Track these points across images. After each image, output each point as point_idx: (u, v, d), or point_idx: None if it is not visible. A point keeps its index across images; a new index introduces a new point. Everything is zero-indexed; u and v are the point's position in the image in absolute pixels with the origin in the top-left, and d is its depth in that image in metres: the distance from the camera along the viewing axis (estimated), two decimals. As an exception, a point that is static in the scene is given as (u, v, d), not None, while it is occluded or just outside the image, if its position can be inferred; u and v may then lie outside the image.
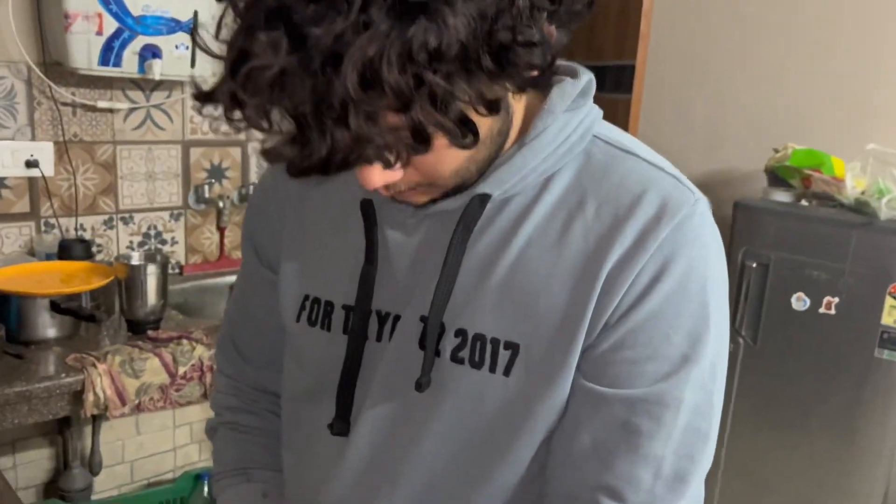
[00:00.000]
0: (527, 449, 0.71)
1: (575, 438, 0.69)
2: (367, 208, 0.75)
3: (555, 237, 0.69)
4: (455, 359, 0.70)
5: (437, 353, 0.71)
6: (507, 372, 0.69)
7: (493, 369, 0.69)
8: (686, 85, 2.86)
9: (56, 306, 1.70)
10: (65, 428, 2.16)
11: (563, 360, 0.68)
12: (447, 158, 0.62)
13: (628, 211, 0.67)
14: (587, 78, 0.71)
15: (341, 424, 0.77)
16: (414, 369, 0.72)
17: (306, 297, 0.80)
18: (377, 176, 0.59)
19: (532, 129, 0.68)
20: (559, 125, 0.68)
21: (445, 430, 0.72)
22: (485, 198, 0.68)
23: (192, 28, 1.97)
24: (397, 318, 0.74)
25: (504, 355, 0.69)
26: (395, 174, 0.61)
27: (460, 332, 0.70)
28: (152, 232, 2.28)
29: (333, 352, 0.77)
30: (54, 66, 1.96)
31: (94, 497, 2.20)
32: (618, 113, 2.81)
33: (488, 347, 0.69)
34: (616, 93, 2.83)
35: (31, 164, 2.00)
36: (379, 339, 0.75)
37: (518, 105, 0.68)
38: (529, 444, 0.71)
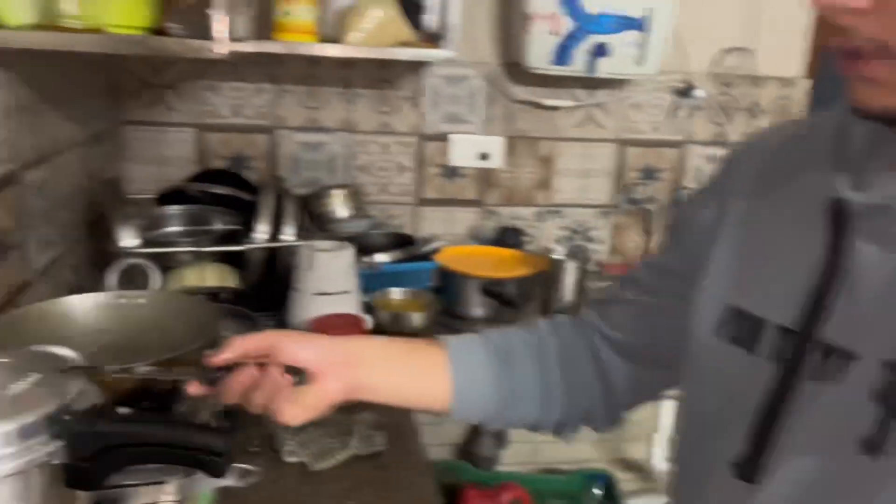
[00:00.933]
0: None
1: None
2: (838, 210, 0.60)
3: None
4: None
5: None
6: None
7: None
8: None
9: (485, 288, 1.84)
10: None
11: None
12: None
13: None
14: None
15: (750, 468, 0.63)
16: (861, 425, 0.56)
17: (731, 309, 0.68)
18: None
19: None
20: None
21: None
22: None
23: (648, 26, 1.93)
24: (850, 356, 0.59)
25: None
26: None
27: None
28: (579, 228, 2.33)
29: (752, 378, 0.64)
30: (512, 65, 2.12)
31: (499, 468, 2.36)
32: None
33: None
34: None
35: (484, 156, 2.20)
36: (818, 377, 0.60)
37: None
38: None
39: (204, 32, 1.19)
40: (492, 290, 1.83)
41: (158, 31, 1.26)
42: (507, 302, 1.80)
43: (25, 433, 0.67)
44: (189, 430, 0.69)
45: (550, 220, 2.30)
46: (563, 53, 1.96)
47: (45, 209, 1.38)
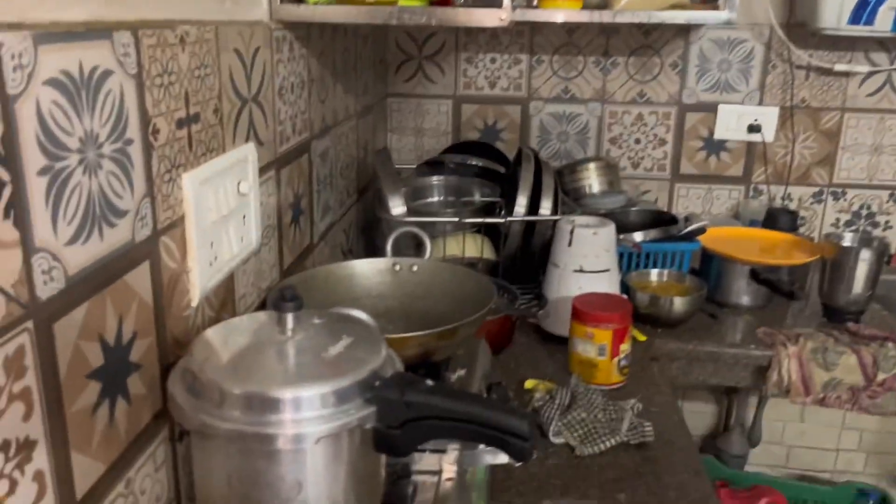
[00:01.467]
0: None
1: None
2: None
3: None
4: None
5: None
6: None
7: None
8: None
9: (755, 275, 1.67)
10: (732, 392, 2.18)
11: None
12: None
13: None
14: None
15: None
16: None
17: None
18: None
19: None
20: None
21: None
22: None
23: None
24: None
25: None
26: None
27: None
28: (864, 212, 2.04)
29: None
30: (796, 27, 1.88)
31: (747, 468, 2.18)
32: None
33: None
34: None
35: (753, 128, 2.00)
36: None
37: None
38: None
39: (483, 2, 1.18)
40: (764, 277, 1.65)
41: (437, 3, 1.27)
42: (783, 292, 1.62)
43: (341, 397, 0.69)
44: (496, 410, 0.67)
45: (830, 201, 2.04)
46: (863, 11, 1.70)
47: (326, 177, 1.47)
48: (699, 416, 2.26)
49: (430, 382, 0.72)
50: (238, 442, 0.69)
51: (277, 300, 0.74)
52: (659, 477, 1.10)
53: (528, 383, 1.32)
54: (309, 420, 0.67)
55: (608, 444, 1.14)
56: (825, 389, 1.50)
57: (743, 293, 1.71)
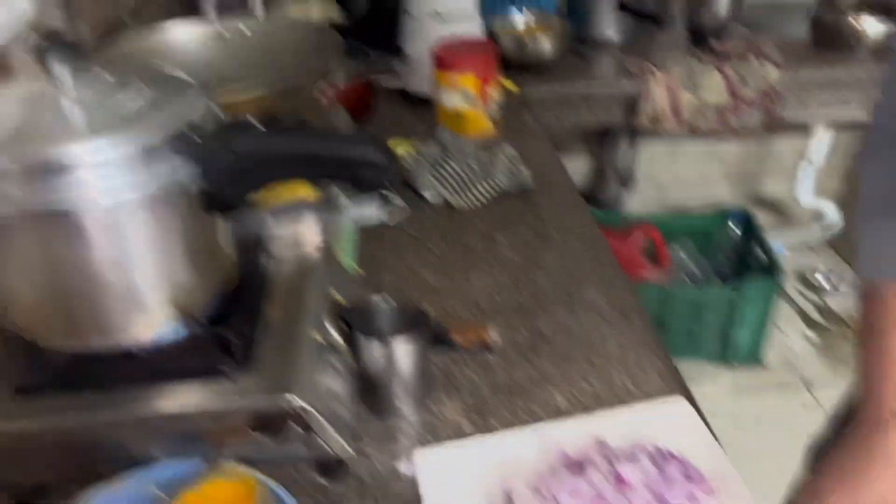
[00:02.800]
0: None
1: None
2: None
3: None
4: None
5: None
6: None
7: None
8: None
9: (622, 6, 1.58)
10: (604, 138, 2.19)
11: None
12: None
13: None
14: None
15: None
16: None
17: None
18: None
19: None
20: None
21: None
22: None
23: None
24: None
25: None
26: None
27: None
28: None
29: None
30: None
31: (623, 211, 2.25)
32: None
33: None
34: None
35: None
36: None
37: None
38: None
39: None
40: (630, 6, 1.57)
41: None
42: (648, 17, 1.55)
43: (151, 154, 0.56)
44: (342, 140, 0.56)
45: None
46: None
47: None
48: (573, 167, 2.27)
49: (262, 128, 0.60)
50: (29, 227, 0.56)
51: (40, 50, 0.57)
52: (540, 217, 1.06)
53: (394, 144, 1.21)
54: (108, 184, 0.55)
55: (484, 191, 1.08)
56: (694, 115, 1.49)
57: (610, 27, 1.63)
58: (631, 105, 1.51)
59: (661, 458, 0.65)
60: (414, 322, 0.74)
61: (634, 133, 2.10)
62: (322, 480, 0.69)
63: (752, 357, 1.98)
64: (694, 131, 1.50)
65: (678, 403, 0.74)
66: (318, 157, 0.56)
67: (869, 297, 0.59)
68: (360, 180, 0.56)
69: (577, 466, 0.65)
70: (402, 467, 0.70)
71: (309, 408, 0.63)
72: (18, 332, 0.65)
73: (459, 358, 0.82)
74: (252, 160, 0.57)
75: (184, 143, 0.57)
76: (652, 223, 2.01)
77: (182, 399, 0.64)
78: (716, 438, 0.70)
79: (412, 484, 0.68)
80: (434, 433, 0.74)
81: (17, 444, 0.64)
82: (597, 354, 0.82)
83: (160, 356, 0.67)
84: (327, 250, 0.82)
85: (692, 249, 2.10)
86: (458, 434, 0.73)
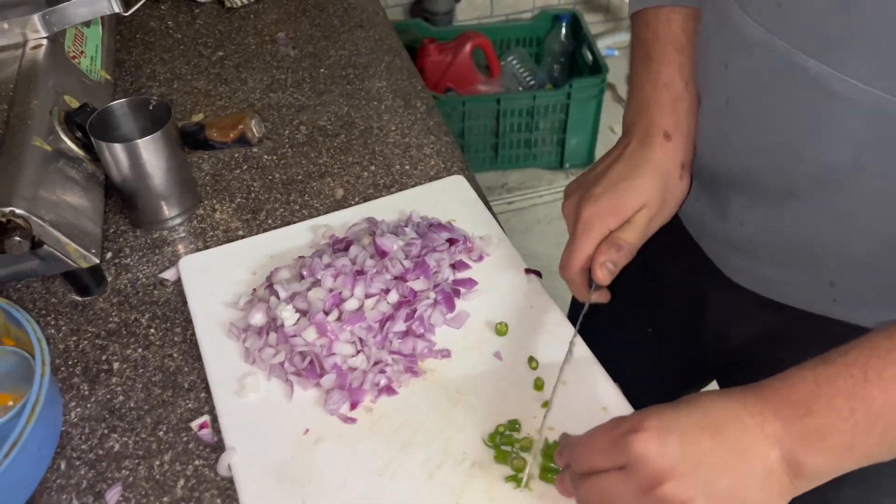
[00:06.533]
0: None
1: None
2: None
3: None
4: None
5: None
6: None
7: None
8: None
9: None
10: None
11: None
12: None
13: None
14: None
15: None
16: None
17: None
18: None
19: None
20: None
21: None
22: None
23: None
24: None
25: None
26: None
27: None
28: None
29: None
30: None
31: (455, 23, 2.17)
32: None
33: None
34: None
35: None
36: None
37: None
38: None
39: None
40: None
41: None
42: None
43: None
44: None
45: None
46: None
47: None
48: (404, -18, 2.14)
49: None
50: None
51: None
52: (325, 11, 0.98)
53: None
54: None
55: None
56: None
57: None
58: None
59: (428, 227, 0.64)
60: (158, 120, 0.67)
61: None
62: (78, 297, 0.64)
63: (586, 160, 2.04)
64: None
65: (454, 181, 0.73)
66: None
67: (640, 26, 0.59)
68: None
69: (343, 246, 0.63)
70: (168, 275, 0.66)
71: (33, 217, 0.57)
72: None
73: (232, 161, 0.77)
74: None
75: None
76: (482, 33, 1.95)
77: None
78: (492, 213, 0.70)
79: (177, 290, 0.64)
80: (203, 238, 0.70)
81: None
82: (378, 143, 0.78)
83: None
84: (53, 50, 0.71)
85: (525, 57, 2.07)
86: (231, 238, 0.69)
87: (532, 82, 2.03)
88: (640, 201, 0.54)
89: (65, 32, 0.74)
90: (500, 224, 0.68)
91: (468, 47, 1.91)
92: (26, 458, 0.49)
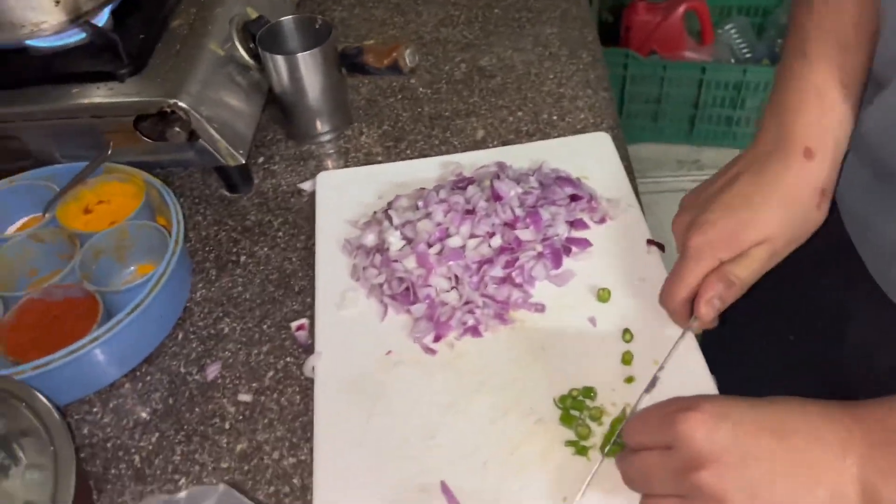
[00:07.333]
0: None
1: None
2: None
3: None
4: None
5: None
6: None
7: None
8: None
9: None
10: None
11: None
12: None
13: None
14: None
15: None
16: None
17: None
18: None
19: None
20: None
21: None
22: None
23: None
24: None
25: None
26: None
27: None
28: None
29: None
30: None
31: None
32: None
33: None
34: None
35: None
36: None
37: None
38: None
39: None
40: None
41: None
42: None
43: None
44: None
45: None
46: None
47: None
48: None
49: None
50: None
51: None
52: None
53: None
54: None
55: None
56: None
57: None
58: None
59: (553, 180, 0.62)
60: (319, 37, 0.70)
61: None
62: (226, 192, 0.70)
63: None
64: None
65: (598, 137, 0.70)
66: None
67: (801, 10, 0.51)
68: None
69: (464, 184, 0.63)
70: (305, 186, 0.70)
71: (193, 112, 0.63)
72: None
73: (388, 88, 0.79)
74: None
75: None
76: (701, -6, 1.81)
77: (75, 98, 0.64)
78: (630, 174, 0.66)
79: (311, 202, 0.68)
80: (345, 158, 0.73)
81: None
82: (532, 89, 0.77)
83: (58, 58, 0.66)
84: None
85: (747, 28, 1.91)
86: (370, 161, 0.72)
87: (748, 55, 1.87)
88: (760, 235, 0.47)
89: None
90: (635, 189, 0.65)
91: (681, 9, 1.79)
92: (147, 321, 0.55)
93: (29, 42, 0.66)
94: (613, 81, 1.73)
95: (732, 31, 1.90)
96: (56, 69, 0.66)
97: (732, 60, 1.87)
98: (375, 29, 0.87)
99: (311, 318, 0.59)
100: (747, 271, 0.47)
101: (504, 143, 0.71)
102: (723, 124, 1.83)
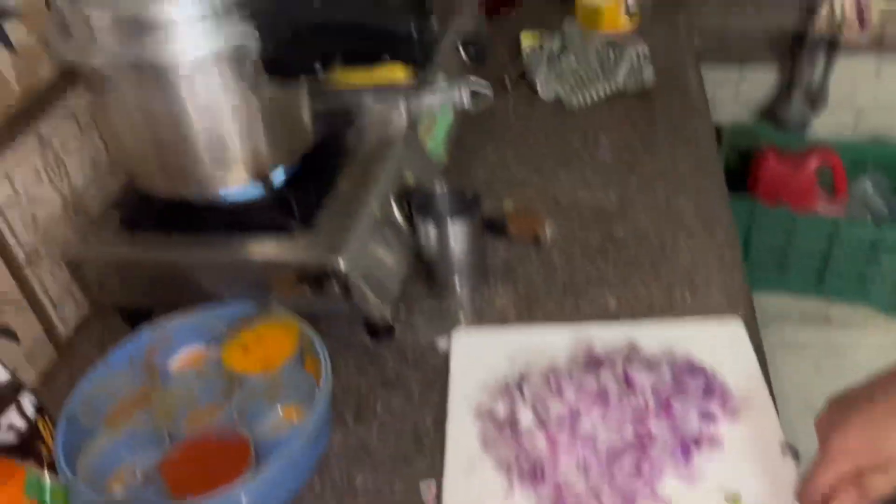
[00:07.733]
0: None
1: None
2: None
3: None
4: None
5: None
6: None
7: None
8: None
9: None
10: (797, 50, 1.95)
11: None
12: None
13: None
14: None
15: None
16: None
17: None
18: None
19: None
20: None
21: None
22: None
23: None
24: None
25: None
26: None
27: None
28: None
29: None
30: None
31: (808, 135, 2.03)
32: None
33: None
34: None
35: None
36: None
37: None
38: None
39: None
40: None
41: None
42: None
43: (220, 15, 0.61)
44: (380, 10, 0.58)
45: None
46: None
47: None
48: (757, 80, 2.06)
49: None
50: (127, 80, 0.65)
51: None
52: (652, 122, 1.01)
53: (524, 37, 1.19)
54: (187, 41, 0.61)
55: (599, 92, 1.04)
56: (884, 21, 1.29)
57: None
58: (809, 7, 1.34)
59: (686, 370, 0.63)
60: (468, 207, 0.75)
61: (833, 45, 1.86)
62: (367, 342, 0.75)
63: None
64: (881, 43, 1.31)
65: (731, 324, 0.70)
66: (356, 26, 0.58)
67: None
68: (396, 48, 0.57)
69: (595, 364, 0.65)
70: (441, 343, 0.74)
71: (348, 271, 0.69)
72: (130, 177, 0.76)
73: (525, 254, 0.83)
74: (304, 27, 0.60)
75: (245, 7, 0.62)
76: (834, 149, 1.80)
77: (249, 248, 0.72)
78: (763, 366, 0.66)
79: (445, 359, 0.72)
80: (480, 317, 0.77)
81: (118, 270, 0.76)
82: (665, 264, 0.79)
83: (238, 210, 0.75)
84: (411, 133, 0.85)
85: (883, 184, 1.86)
86: (503, 321, 0.76)
87: (885, 214, 1.82)
88: None
89: (421, 115, 0.87)
90: (769, 384, 0.64)
91: (814, 164, 1.77)
92: (292, 469, 0.59)
93: (216, 195, 0.75)
94: (738, 227, 1.73)
95: (868, 185, 1.86)
96: (234, 220, 0.74)
97: (869, 216, 1.82)
98: (515, 188, 0.93)
99: (439, 479, 0.61)
100: (886, 485, 0.46)
101: (634, 316, 0.73)
102: (855, 280, 1.77)
